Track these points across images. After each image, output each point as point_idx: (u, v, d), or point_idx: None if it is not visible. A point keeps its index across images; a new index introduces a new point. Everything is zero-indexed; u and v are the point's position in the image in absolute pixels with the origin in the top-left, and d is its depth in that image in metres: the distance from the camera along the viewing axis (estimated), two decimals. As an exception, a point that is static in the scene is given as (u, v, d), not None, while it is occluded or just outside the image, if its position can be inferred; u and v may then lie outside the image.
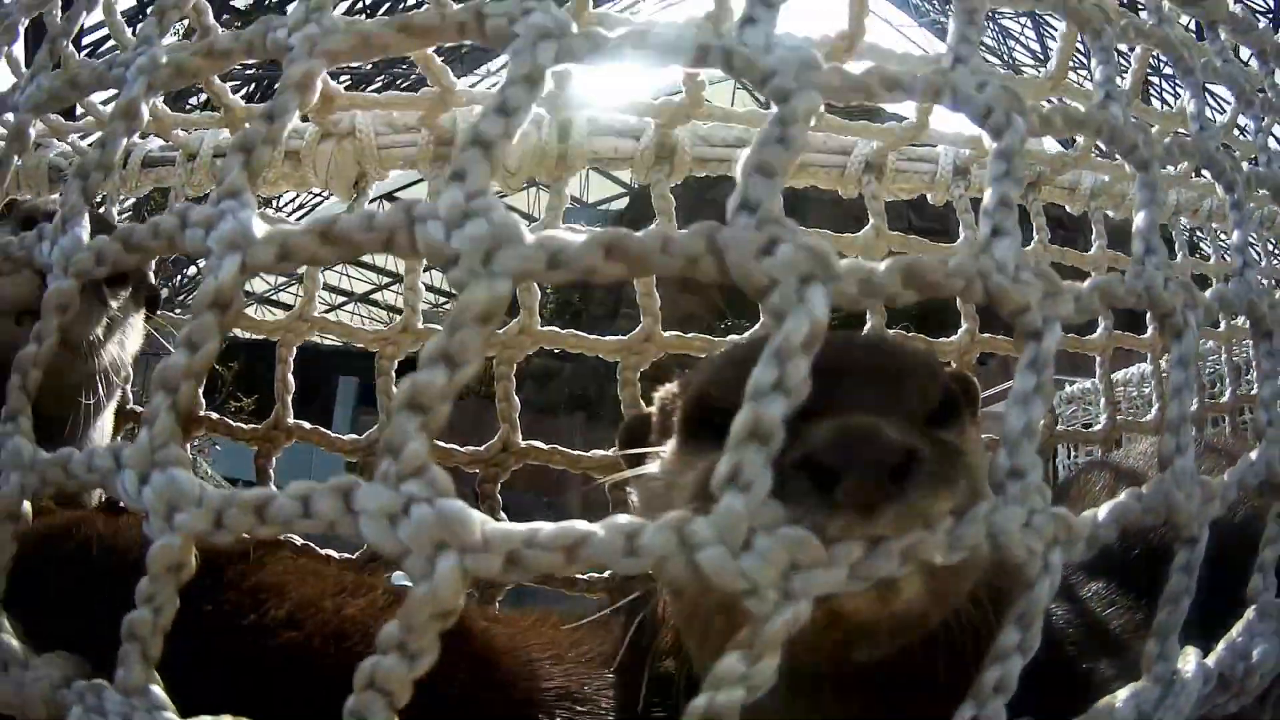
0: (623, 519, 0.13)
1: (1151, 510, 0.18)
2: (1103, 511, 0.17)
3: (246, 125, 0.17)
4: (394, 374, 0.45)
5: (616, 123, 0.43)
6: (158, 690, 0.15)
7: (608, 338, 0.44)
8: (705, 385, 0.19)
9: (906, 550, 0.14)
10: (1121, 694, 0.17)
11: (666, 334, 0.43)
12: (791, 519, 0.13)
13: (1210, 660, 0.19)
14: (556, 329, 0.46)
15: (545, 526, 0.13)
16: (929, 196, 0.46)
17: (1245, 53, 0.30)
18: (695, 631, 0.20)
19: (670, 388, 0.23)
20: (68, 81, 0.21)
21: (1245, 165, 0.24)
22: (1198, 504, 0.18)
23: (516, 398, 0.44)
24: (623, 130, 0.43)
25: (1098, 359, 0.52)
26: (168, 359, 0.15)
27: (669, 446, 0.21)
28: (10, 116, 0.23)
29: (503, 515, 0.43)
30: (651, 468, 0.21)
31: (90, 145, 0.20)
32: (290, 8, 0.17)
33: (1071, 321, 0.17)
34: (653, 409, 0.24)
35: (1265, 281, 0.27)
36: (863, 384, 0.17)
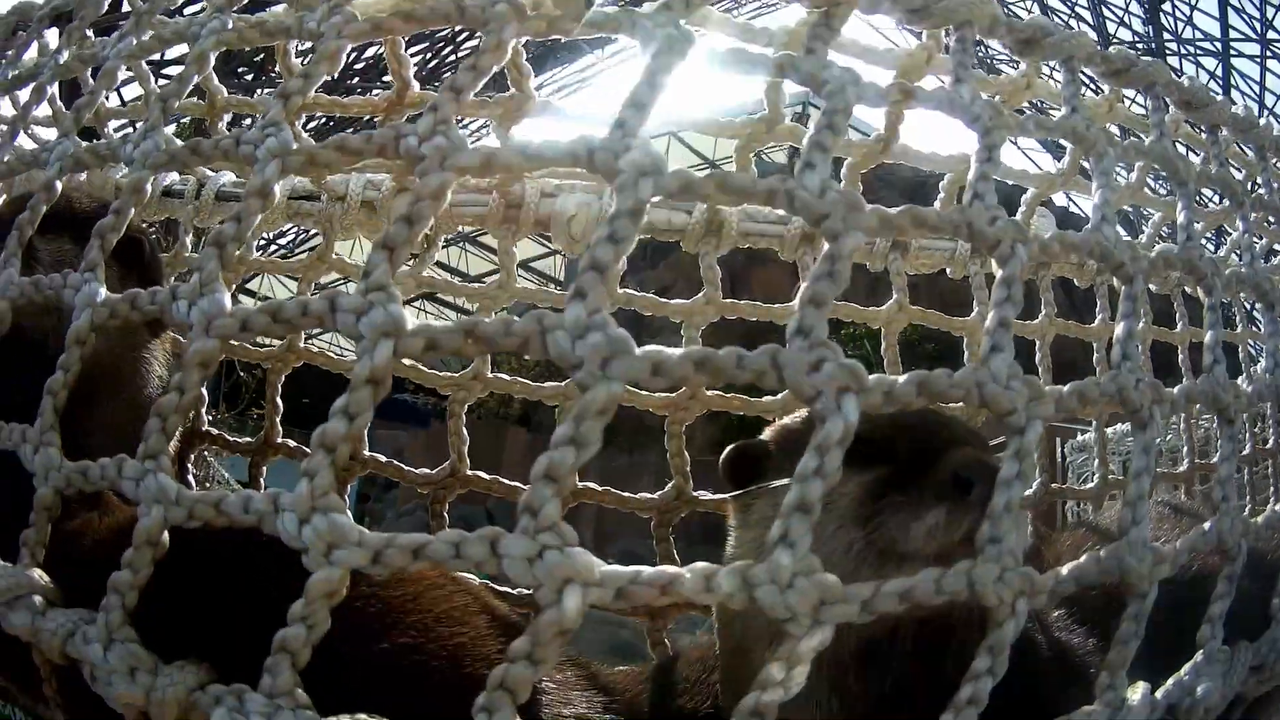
0: (702, 565, 0.24)
1: (1107, 572, 0.29)
2: (1064, 570, 0.28)
3: (389, 227, 0.26)
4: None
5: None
6: (302, 694, 0.25)
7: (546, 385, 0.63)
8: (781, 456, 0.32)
9: (904, 593, 0.25)
10: (1076, 716, 0.29)
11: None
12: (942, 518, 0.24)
13: (1159, 694, 0.31)
14: (504, 376, 0.64)
15: (646, 569, 0.23)
16: (948, 271, 0.63)
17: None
18: (739, 651, 0.32)
19: (781, 436, 0.37)
20: (189, 148, 0.31)
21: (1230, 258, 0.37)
22: (1149, 566, 0.30)
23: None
24: (676, 205, 0.57)
25: (1094, 422, 0.67)
26: (326, 426, 0.25)
27: (769, 494, 0.35)
28: (125, 170, 0.32)
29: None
30: (754, 504, 0.35)
31: (225, 221, 0.29)
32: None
33: (1051, 420, 0.28)
34: (765, 437, 0.39)
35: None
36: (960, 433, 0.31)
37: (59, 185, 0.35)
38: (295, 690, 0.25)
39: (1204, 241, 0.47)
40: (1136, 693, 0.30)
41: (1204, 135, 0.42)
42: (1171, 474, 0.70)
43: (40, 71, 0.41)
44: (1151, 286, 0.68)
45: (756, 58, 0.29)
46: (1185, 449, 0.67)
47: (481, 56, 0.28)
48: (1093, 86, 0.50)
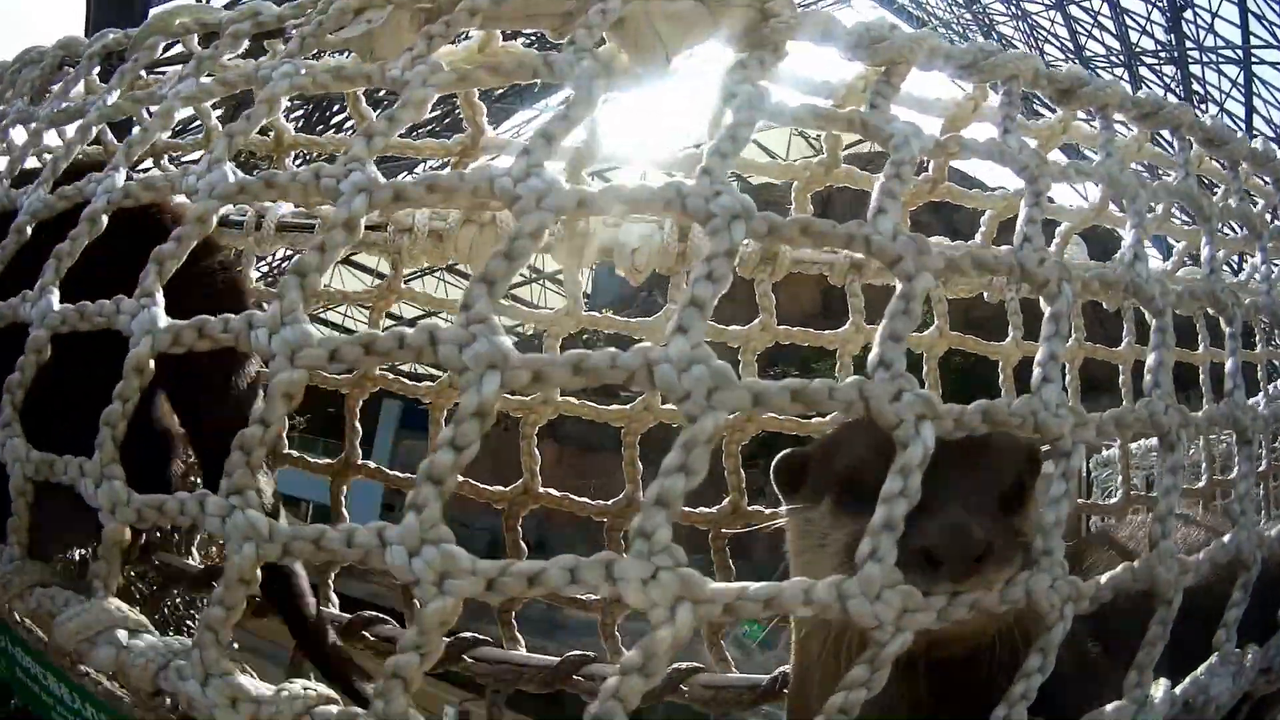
0: (801, 580, 0.28)
1: (1141, 580, 0.36)
2: (1104, 579, 0.35)
3: (490, 261, 0.30)
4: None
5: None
6: (415, 714, 0.28)
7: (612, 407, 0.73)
8: (854, 466, 0.37)
9: (974, 604, 0.30)
10: (1107, 709, 0.35)
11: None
12: (908, 582, 0.29)
13: (1177, 690, 0.37)
14: (571, 399, 0.75)
15: (752, 585, 0.28)
16: (984, 295, 0.73)
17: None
18: (825, 658, 0.38)
19: (822, 448, 0.42)
20: (264, 181, 0.33)
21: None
22: (1175, 575, 0.36)
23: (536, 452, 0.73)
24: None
25: (1117, 440, 0.78)
26: (435, 458, 0.29)
27: (824, 505, 0.39)
28: (188, 201, 0.34)
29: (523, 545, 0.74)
30: (812, 516, 0.40)
31: (311, 250, 0.32)
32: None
33: (1094, 445, 0.34)
34: (808, 449, 0.44)
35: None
36: (958, 478, 0.34)
37: (105, 220, 0.37)
38: (402, 700, 0.28)
39: (1226, 266, 0.54)
40: (1159, 689, 0.37)
41: (1225, 170, 0.50)
42: (1192, 489, 0.80)
43: (88, 109, 0.42)
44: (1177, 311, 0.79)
45: (829, 113, 0.35)
46: (1204, 466, 0.77)
47: (573, 108, 0.32)
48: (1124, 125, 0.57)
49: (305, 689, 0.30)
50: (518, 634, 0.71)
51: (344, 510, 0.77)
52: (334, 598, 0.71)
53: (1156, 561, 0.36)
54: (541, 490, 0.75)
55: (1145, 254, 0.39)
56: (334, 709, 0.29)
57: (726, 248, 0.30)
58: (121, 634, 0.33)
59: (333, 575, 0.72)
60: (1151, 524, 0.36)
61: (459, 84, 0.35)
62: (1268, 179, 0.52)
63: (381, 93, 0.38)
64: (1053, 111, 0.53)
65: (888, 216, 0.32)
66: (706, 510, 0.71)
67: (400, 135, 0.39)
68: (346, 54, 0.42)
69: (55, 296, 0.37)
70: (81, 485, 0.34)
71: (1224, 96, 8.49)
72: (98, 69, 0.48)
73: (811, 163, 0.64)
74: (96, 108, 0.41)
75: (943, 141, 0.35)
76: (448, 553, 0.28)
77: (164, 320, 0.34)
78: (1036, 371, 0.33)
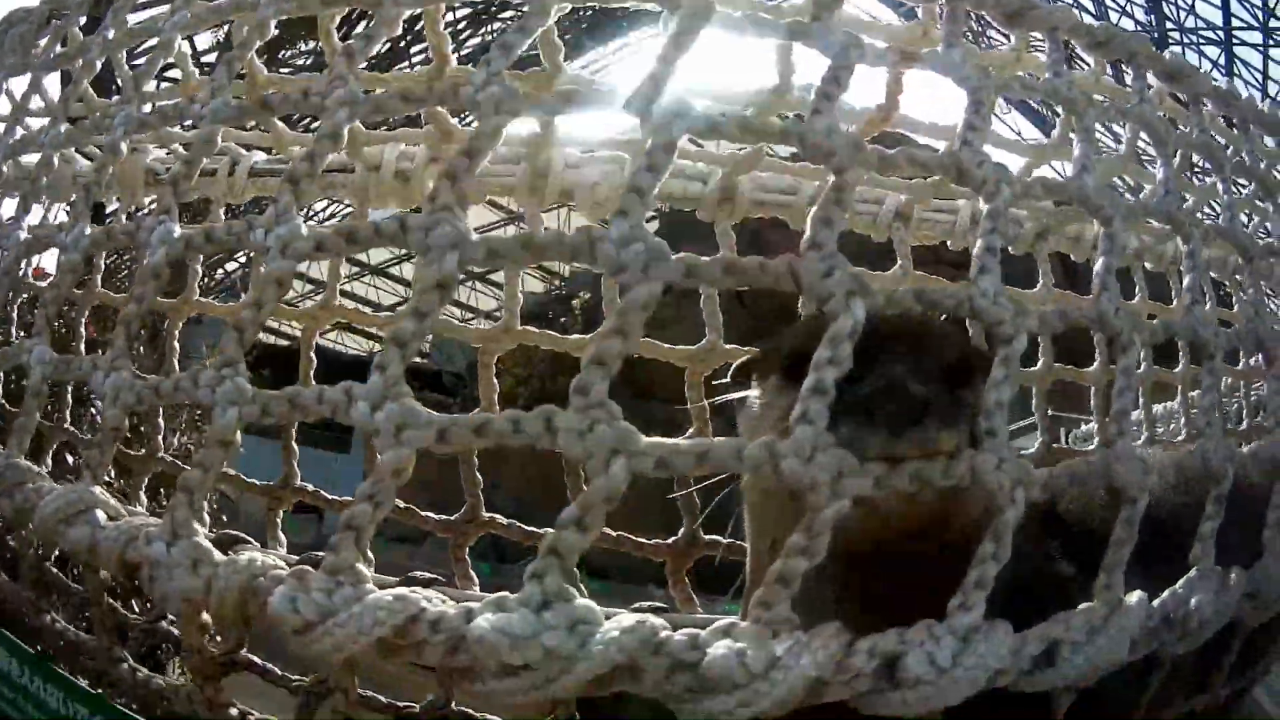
0: (734, 439, 0.31)
1: (1096, 474, 0.36)
2: (1058, 467, 0.36)
3: (450, 160, 0.35)
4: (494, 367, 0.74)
5: (688, 168, 0.72)
6: (363, 569, 0.31)
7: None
8: (797, 346, 0.40)
9: (915, 472, 0.32)
10: (1078, 611, 0.35)
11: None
12: (842, 442, 0.31)
13: (1155, 603, 0.37)
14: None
15: (683, 441, 0.30)
16: (948, 243, 0.74)
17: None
18: (768, 524, 0.40)
19: (772, 342, 0.45)
20: (258, 101, 0.39)
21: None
22: (1139, 474, 0.37)
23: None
24: (693, 175, 0.72)
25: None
26: (400, 325, 0.32)
27: (770, 383, 0.41)
28: (198, 128, 0.40)
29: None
30: (753, 394, 0.43)
31: (298, 157, 0.37)
32: None
33: (1033, 333, 0.36)
34: (761, 349, 0.47)
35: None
36: (898, 351, 0.36)
37: (124, 146, 0.43)
38: (356, 565, 0.31)
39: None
40: (1134, 597, 0.37)
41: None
42: (1173, 445, 0.77)
43: (89, 49, 0.50)
44: (1148, 265, 0.80)
45: (771, 23, 0.39)
46: (1183, 422, 0.75)
47: (528, 19, 0.36)
48: (1081, 65, 0.61)
49: (259, 558, 0.33)
50: (471, 572, 0.72)
51: (280, 535, 0.74)
52: (282, 537, 0.74)
53: (1114, 458, 0.37)
54: (487, 516, 0.75)
55: (1093, 166, 0.41)
56: (284, 571, 0.32)
57: (664, 141, 0.34)
58: (100, 514, 0.37)
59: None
60: (1110, 425, 0.37)
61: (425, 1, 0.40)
62: (1233, 120, 0.54)
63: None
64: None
65: (822, 117, 0.35)
66: (661, 541, 0.72)
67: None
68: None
69: (86, 225, 0.43)
70: (92, 377, 0.38)
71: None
72: (84, 19, 0.55)
73: (766, 90, 0.65)
74: (97, 45, 0.47)
75: (882, 51, 0.39)
76: (406, 407, 0.31)
77: (177, 230, 0.39)
78: (974, 263, 0.36)
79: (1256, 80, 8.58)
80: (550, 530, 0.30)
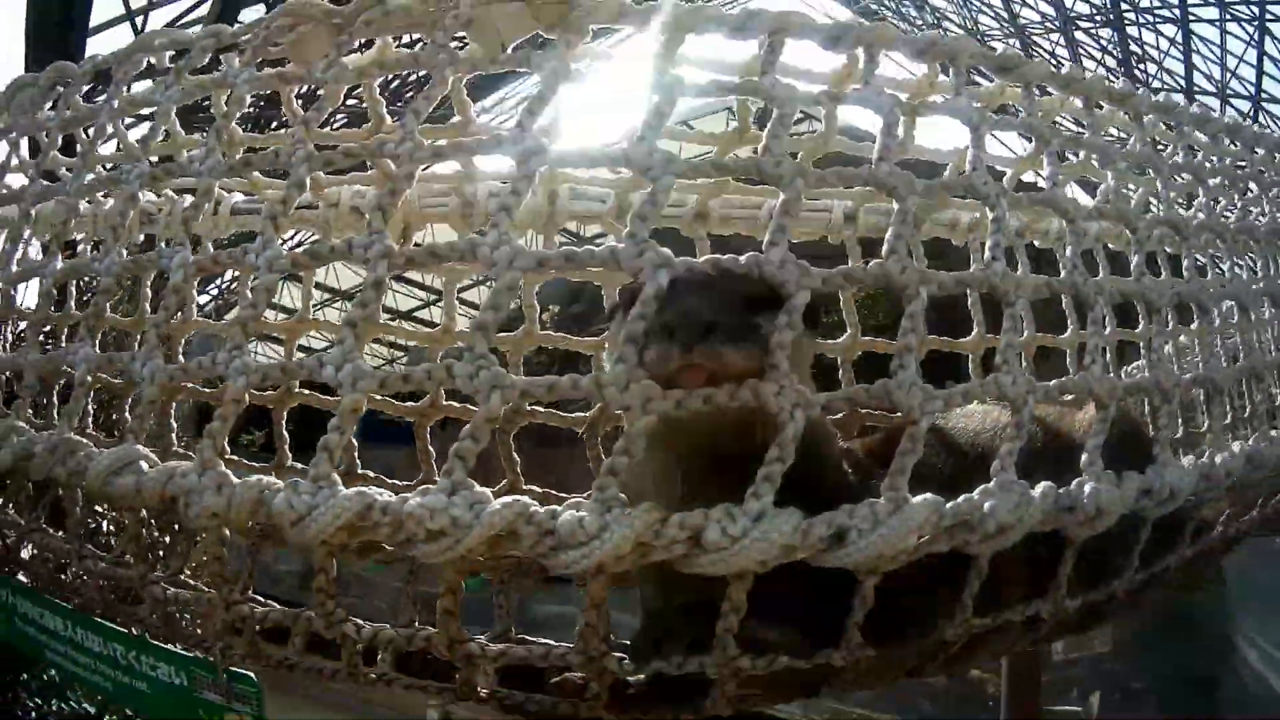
0: (571, 376, 0.69)
1: (876, 396, 0.72)
2: (840, 392, 0.72)
3: (377, 195, 0.75)
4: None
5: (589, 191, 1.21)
6: (335, 477, 0.71)
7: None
8: (633, 291, 0.79)
9: (705, 396, 0.69)
10: (865, 503, 0.70)
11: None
12: (652, 358, 0.69)
13: (948, 505, 0.72)
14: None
15: (542, 379, 0.69)
16: (828, 238, 1.15)
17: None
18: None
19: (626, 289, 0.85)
20: (242, 161, 0.81)
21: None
22: (919, 398, 0.72)
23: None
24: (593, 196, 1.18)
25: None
26: (353, 311, 0.72)
27: (618, 318, 0.85)
28: (195, 180, 0.82)
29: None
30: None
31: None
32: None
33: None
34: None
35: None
36: (698, 290, 0.75)
37: (140, 193, 0.86)
38: (332, 475, 0.70)
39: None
40: (920, 499, 0.71)
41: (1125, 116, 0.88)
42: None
43: (99, 114, 0.93)
44: (1036, 242, 1.15)
45: (730, 84, 0.77)
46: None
47: (431, 89, 0.76)
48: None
49: (265, 478, 0.73)
50: (429, 448, 1.25)
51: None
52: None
53: (895, 386, 0.72)
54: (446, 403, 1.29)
55: (983, 166, 0.77)
56: (281, 486, 0.72)
57: (526, 173, 0.72)
58: (143, 464, 0.78)
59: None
60: (894, 359, 0.72)
61: (360, 76, 0.80)
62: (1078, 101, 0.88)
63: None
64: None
65: (772, 153, 0.73)
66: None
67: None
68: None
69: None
70: (132, 365, 0.80)
71: (1163, 55, 11.54)
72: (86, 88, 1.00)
73: (729, 132, 1.11)
74: (106, 112, 0.90)
75: (817, 95, 0.76)
76: (358, 366, 0.71)
77: (190, 256, 0.81)
78: (769, 240, 0.72)
79: (1215, 55, 10.99)
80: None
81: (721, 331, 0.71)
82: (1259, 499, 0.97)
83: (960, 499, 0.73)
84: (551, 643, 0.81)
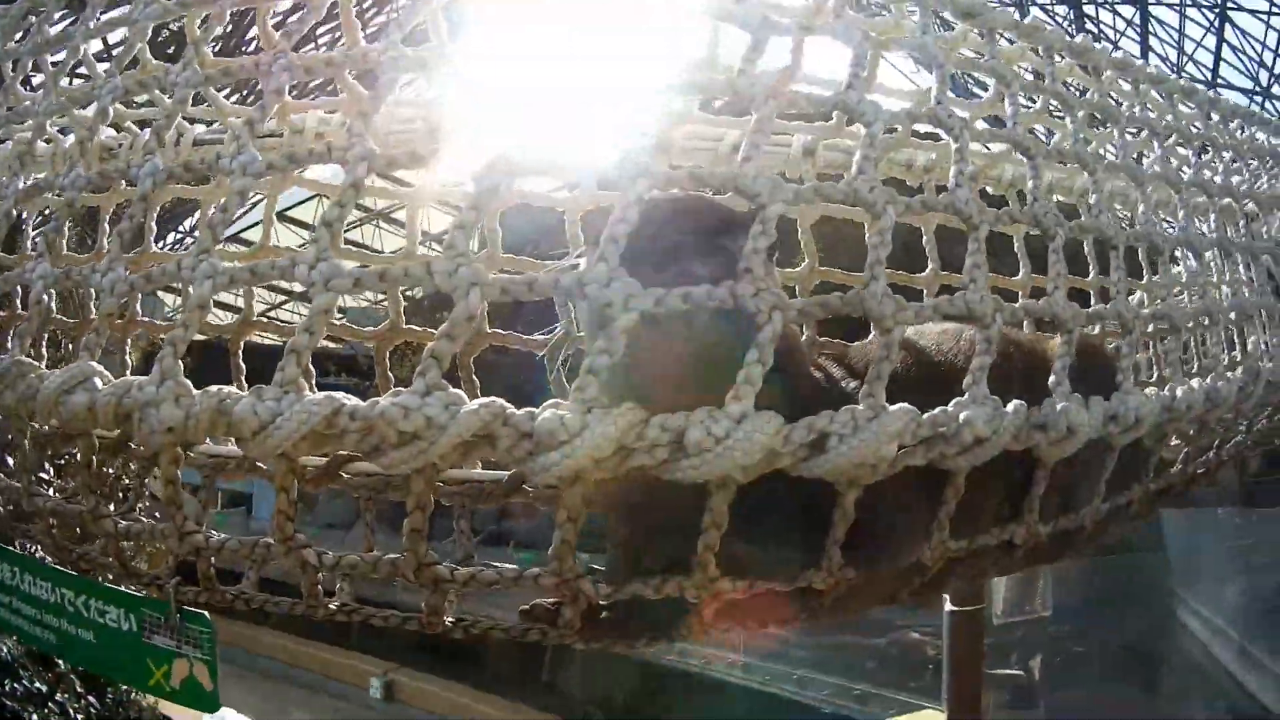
0: (551, 274, 0.69)
1: (849, 304, 0.73)
2: (814, 299, 0.73)
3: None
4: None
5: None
6: (303, 381, 0.69)
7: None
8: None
9: (683, 294, 0.69)
10: (844, 409, 0.71)
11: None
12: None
13: (925, 415, 0.73)
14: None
15: (516, 275, 0.69)
16: (785, 172, 1.18)
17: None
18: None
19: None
20: (221, 70, 0.80)
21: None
22: (890, 309, 0.74)
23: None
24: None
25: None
26: (329, 209, 0.71)
27: None
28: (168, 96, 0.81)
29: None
30: None
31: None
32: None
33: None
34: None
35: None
36: (668, 218, 0.77)
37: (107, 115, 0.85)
38: (299, 380, 0.68)
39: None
40: (898, 407, 0.72)
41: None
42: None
43: (73, 37, 0.92)
44: (988, 189, 1.22)
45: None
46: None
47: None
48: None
49: (226, 388, 0.71)
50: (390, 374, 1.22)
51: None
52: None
53: (867, 296, 0.73)
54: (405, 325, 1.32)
55: (946, 100, 0.80)
56: (243, 394, 0.70)
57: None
58: (97, 380, 0.75)
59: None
60: (865, 272, 0.74)
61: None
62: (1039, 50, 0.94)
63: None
64: None
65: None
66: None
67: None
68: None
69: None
70: (91, 278, 0.78)
71: (1118, 36, 11.71)
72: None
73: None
74: (82, 31, 0.89)
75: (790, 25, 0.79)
76: (333, 264, 0.69)
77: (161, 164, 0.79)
78: (741, 151, 0.73)
79: (1172, 39, 11.46)
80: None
81: (689, 250, 0.73)
82: (1216, 441, 1.01)
83: (937, 410, 0.75)
84: (520, 567, 0.78)
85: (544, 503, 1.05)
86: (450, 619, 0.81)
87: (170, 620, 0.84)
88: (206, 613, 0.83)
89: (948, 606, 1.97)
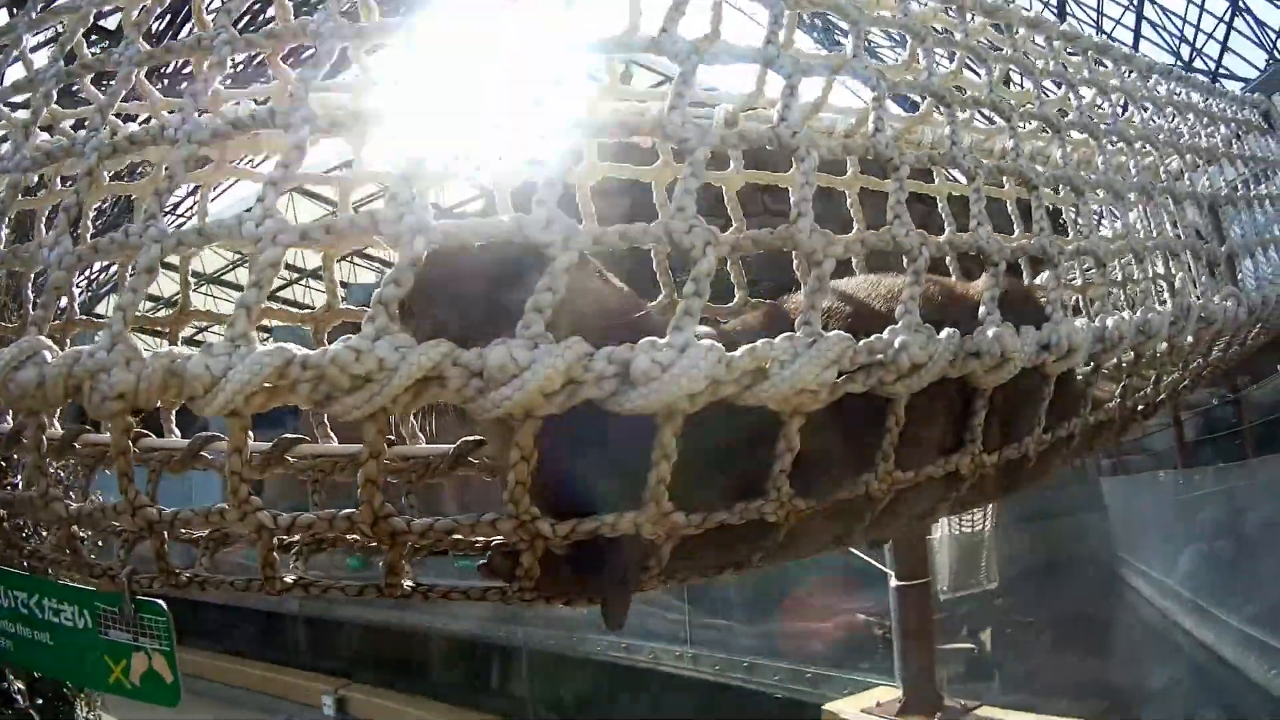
0: (496, 220, 0.72)
1: (781, 240, 0.77)
2: (748, 233, 0.77)
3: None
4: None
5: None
6: (254, 336, 0.70)
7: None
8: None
9: (623, 234, 0.73)
10: (784, 336, 0.74)
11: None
12: None
13: (861, 342, 0.77)
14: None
15: (464, 221, 0.71)
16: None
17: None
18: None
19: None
20: (164, 49, 0.83)
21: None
22: (821, 242, 0.78)
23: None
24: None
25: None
26: (274, 170, 0.73)
27: None
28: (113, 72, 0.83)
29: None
30: None
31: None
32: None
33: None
34: None
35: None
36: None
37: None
38: (250, 334, 0.70)
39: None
40: (834, 334, 0.76)
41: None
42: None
43: (15, 27, 0.94)
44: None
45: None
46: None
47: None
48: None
49: (176, 349, 0.72)
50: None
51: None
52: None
53: (796, 230, 0.77)
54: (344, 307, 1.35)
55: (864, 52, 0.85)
56: (194, 353, 0.71)
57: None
58: (46, 354, 0.75)
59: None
60: (792, 210, 0.78)
61: None
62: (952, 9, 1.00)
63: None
64: None
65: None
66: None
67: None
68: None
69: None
70: (41, 253, 0.78)
71: (1040, 10, 13.32)
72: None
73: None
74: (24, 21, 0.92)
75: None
76: (278, 221, 0.71)
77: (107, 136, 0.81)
78: (669, 98, 0.78)
79: (1091, 18, 12.41)
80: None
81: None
82: (1152, 377, 1.06)
83: (872, 337, 0.78)
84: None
85: (488, 474, 1.06)
86: (409, 583, 0.81)
87: (125, 611, 0.83)
88: (161, 602, 0.83)
89: (893, 583, 1.98)
